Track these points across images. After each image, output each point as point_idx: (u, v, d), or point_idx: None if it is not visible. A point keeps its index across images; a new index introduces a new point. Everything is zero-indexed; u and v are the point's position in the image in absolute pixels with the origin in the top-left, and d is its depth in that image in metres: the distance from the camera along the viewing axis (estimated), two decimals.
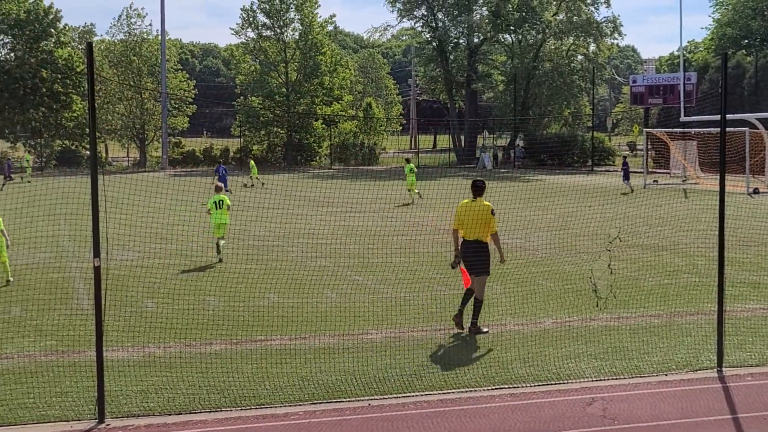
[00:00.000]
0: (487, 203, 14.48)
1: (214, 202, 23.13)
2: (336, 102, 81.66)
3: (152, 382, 11.72)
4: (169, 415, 10.61)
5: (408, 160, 45.63)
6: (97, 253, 10.57)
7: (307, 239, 25.89)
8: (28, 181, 54.87)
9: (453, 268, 14.89)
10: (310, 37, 78.31)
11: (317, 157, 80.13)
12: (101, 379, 10.51)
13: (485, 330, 14.46)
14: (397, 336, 14.25)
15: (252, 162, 57.63)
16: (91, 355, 12.34)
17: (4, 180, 55.48)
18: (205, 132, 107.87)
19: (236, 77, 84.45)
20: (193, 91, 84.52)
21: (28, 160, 60.66)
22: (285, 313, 15.88)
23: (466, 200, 14.57)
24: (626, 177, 46.80)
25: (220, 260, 22.46)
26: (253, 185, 50.59)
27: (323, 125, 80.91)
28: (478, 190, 14.46)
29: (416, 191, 40.93)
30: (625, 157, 53.08)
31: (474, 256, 14.35)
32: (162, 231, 25.52)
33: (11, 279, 19.90)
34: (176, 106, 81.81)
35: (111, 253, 22.26)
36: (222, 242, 22.89)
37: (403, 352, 13.22)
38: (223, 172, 46.14)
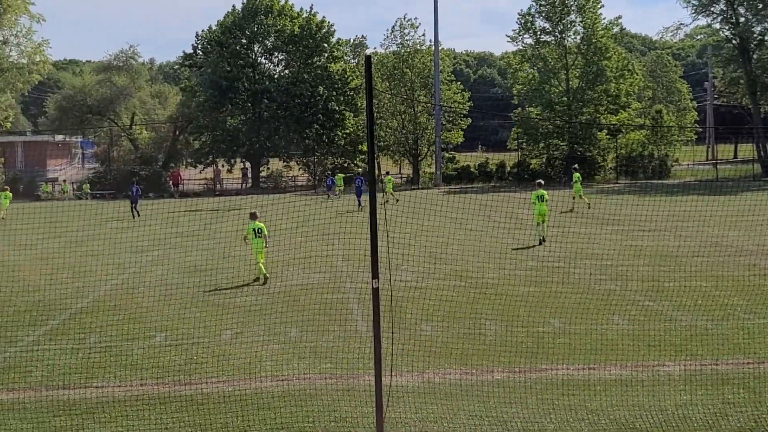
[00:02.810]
0: None
1: (538, 196, 30.41)
2: (622, 110, 79.89)
3: (431, 411, 11.95)
4: None
5: (576, 169, 48.43)
6: (375, 274, 10.91)
7: (592, 260, 25.48)
8: (338, 196, 58.41)
9: None
10: (593, 40, 77.16)
11: (602, 171, 78.72)
12: (380, 405, 10.83)
13: None
14: (698, 369, 13.69)
15: (389, 177, 57.95)
16: (369, 380, 12.79)
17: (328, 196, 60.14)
18: (480, 146, 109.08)
19: (513, 87, 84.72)
20: (468, 103, 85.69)
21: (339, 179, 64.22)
22: (570, 340, 15.71)
23: None
24: None
25: (543, 241, 29.48)
26: (387, 201, 50.88)
27: (608, 136, 79.40)
28: None
29: (586, 200, 43.92)
30: None
31: None
32: (436, 250, 26.05)
33: (268, 277, 23.54)
34: (450, 119, 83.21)
35: (386, 274, 22.99)
36: (545, 227, 29.99)
37: (706, 387, 12.68)
38: (359, 183, 48.30)
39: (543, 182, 33.06)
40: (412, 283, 22.50)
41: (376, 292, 10.95)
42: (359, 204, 48.44)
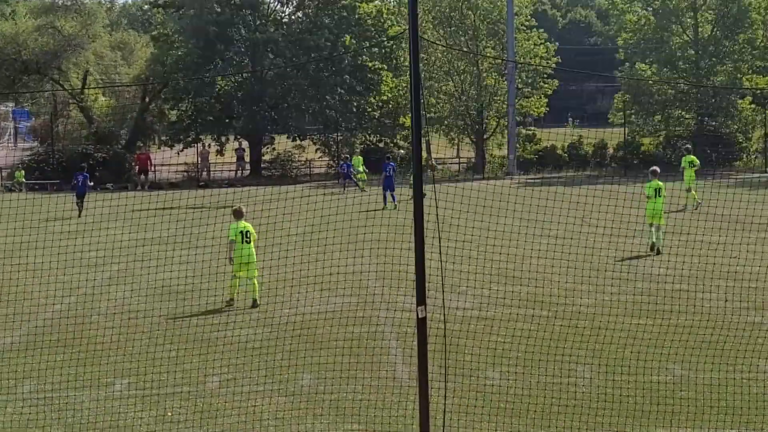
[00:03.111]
0: None
1: (655, 189, 31.76)
2: None
3: None
4: None
5: (688, 150, 48.44)
6: (422, 299, 10.89)
7: (730, 281, 25.28)
8: (363, 190, 58.27)
9: None
10: None
11: (744, 154, 78.16)
12: None
13: None
14: None
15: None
16: None
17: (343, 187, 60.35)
18: (571, 119, 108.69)
19: (618, 35, 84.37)
20: (554, 59, 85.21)
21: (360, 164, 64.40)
22: (696, 394, 15.62)
23: None
24: None
25: (658, 252, 30.64)
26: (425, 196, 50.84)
27: (754, 105, 78.84)
28: None
29: (694, 194, 43.53)
30: None
31: None
32: (508, 266, 25.97)
33: (258, 301, 24.31)
34: (529, 81, 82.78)
35: (436, 298, 22.95)
36: (660, 233, 31.39)
37: None
38: (390, 171, 48.61)
39: (659, 170, 33.29)
40: (473, 312, 22.46)
41: (422, 323, 10.94)
42: (386, 200, 48.03)
